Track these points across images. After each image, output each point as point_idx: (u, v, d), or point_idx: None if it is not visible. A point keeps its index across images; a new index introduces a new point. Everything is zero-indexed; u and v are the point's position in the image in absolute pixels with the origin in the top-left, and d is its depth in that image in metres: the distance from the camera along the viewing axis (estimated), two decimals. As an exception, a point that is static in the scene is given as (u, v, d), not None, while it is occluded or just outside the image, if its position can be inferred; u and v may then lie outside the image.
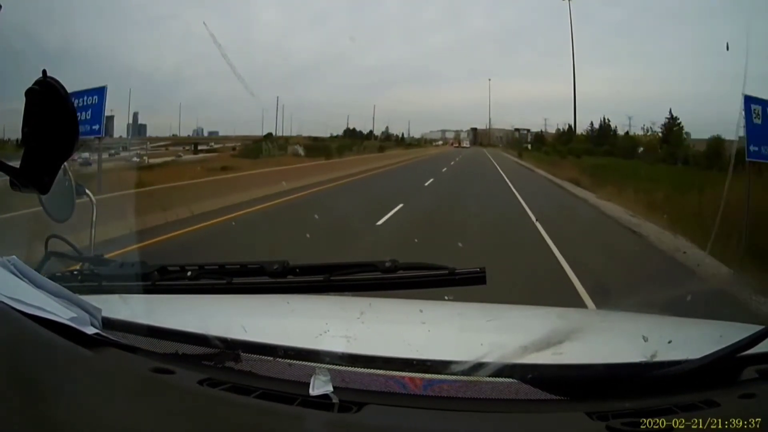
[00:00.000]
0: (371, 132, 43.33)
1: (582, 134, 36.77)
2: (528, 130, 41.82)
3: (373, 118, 48.49)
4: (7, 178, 0.97)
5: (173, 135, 35.09)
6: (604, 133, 33.79)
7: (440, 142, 46.67)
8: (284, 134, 37.79)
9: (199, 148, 34.90)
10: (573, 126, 35.37)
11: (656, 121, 30.20)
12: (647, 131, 29.71)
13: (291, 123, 45.19)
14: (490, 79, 42.31)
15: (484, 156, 36.37)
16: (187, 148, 34.43)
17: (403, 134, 45.09)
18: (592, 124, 35.18)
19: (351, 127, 42.66)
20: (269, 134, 37.10)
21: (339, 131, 41.67)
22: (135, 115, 32.16)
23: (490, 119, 46.80)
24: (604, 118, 34.06)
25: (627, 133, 31.79)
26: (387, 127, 44.19)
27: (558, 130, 38.86)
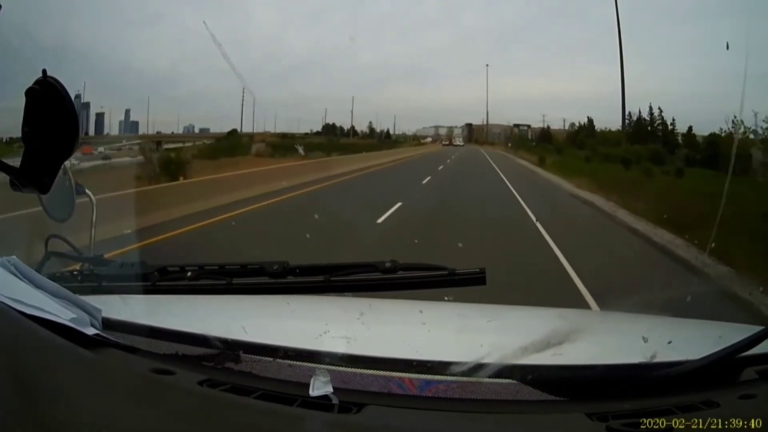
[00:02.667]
0: (352, 128, 39.82)
1: (605, 130, 29.64)
2: (528, 126, 37.67)
3: (351, 111, 43.57)
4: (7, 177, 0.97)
5: (158, 132, 33.91)
6: (645, 129, 25.96)
7: (429, 139, 42.46)
8: (262, 131, 35.41)
9: (168, 146, 31.51)
10: (622, 120, 27.01)
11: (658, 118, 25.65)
12: (738, 128, 18.45)
13: (276, 120, 43.09)
14: (487, 65, 38.78)
15: (484, 164, 26.37)
16: (135, 146, 30.51)
17: (388, 130, 41.44)
18: (630, 115, 27.33)
19: (330, 123, 39.48)
20: (234, 131, 34.74)
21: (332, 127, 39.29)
22: (127, 111, 31.75)
23: (487, 113, 42.49)
24: (652, 109, 25.27)
25: (725, 133, 20.32)
26: (371, 122, 40.74)
27: (573, 125, 33.41)
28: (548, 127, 35.83)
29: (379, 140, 39.75)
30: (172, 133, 34.87)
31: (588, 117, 32.27)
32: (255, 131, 35.57)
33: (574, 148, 29.50)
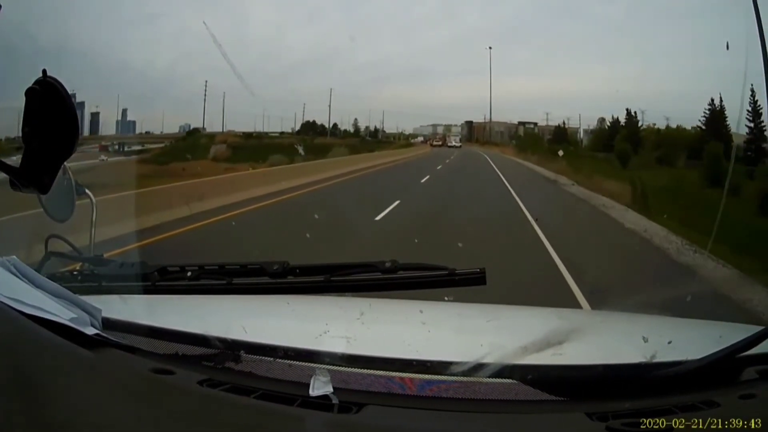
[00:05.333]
0: (334, 126, 35.24)
1: (651, 127, 22.23)
2: (535, 124, 32.76)
3: (329, 106, 37.28)
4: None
5: (146, 132, 32.01)
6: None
7: (420, 139, 37.40)
8: (253, 130, 32.11)
9: (133, 148, 29.54)
10: (754, 106, 16.45)
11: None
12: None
13: (264, 119, 40.53)
14: (490, 47, 32.55)
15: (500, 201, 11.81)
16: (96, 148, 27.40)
17: (375, 128, 36.98)
18: (714, 102, 18.46)
19: (311, 120, 35.18)
20: (195, 130, 31.64)
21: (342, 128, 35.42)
22: (124, 111, 30.35)
23: (491, 104, 36.89)
24: (754, 94, 15.39)
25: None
26: (356, 120, 36.36)
27: (603, 120, 25.96)
28: (564, 125, 29.55)
29: (363, 141, 35.15)
30: (161, 132, 32.67)
31: (627, 109, 24.26)
32: (242, 130, 32.60)
33: (625, 152, 20.43)
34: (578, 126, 28.94)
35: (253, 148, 26.88)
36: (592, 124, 28.50)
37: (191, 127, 33.09)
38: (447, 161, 23.39)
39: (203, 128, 32.76)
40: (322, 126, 35.48)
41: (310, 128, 35.38)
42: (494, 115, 35.64)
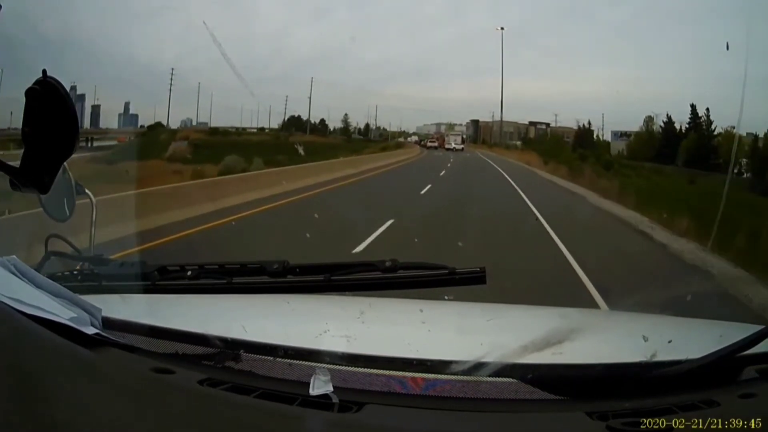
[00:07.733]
0: (322, 122, 32.65)
1: (731, 132, 15.51)
2: (547, 125, 29.21)
3: (310, 98, 32.75)
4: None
5: (140, 126, 30.27)
6: None
7: (414, 138, 33.49)
8: (255, 126, 29.91)
9: (105, 143, 26.07)
10: None
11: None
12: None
13: (259, 114, 38.23)
14: (503, 28, 29.62)
15: None
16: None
17: (367, 125, 34.16)
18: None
19: (296, 115, 32.51)
20: (158, 124, 28.95)
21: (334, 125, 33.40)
22: (126, 104, 29.56)
23: (502, 97, 30.74)
24: None
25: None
26: (346, 115, 33.92)
27: (650, 120, 19.42)
28: (589, 125, 23.65)
29: (349, 139, 32.13)
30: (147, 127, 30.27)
31: (692, 105, 17.59)
32: (245, 126, 30.09)
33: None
34: (647, 124, 22.54)
35: (216, 146, 23.04)
36: (607, 126, 24.08)
37: (191, 122, 31.47)
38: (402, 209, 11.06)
39: (190, 121, 30.86)
40: (309, 122, 33.29)
41: (293, 124, 32.97)
42: (503, 114, 31.46)
